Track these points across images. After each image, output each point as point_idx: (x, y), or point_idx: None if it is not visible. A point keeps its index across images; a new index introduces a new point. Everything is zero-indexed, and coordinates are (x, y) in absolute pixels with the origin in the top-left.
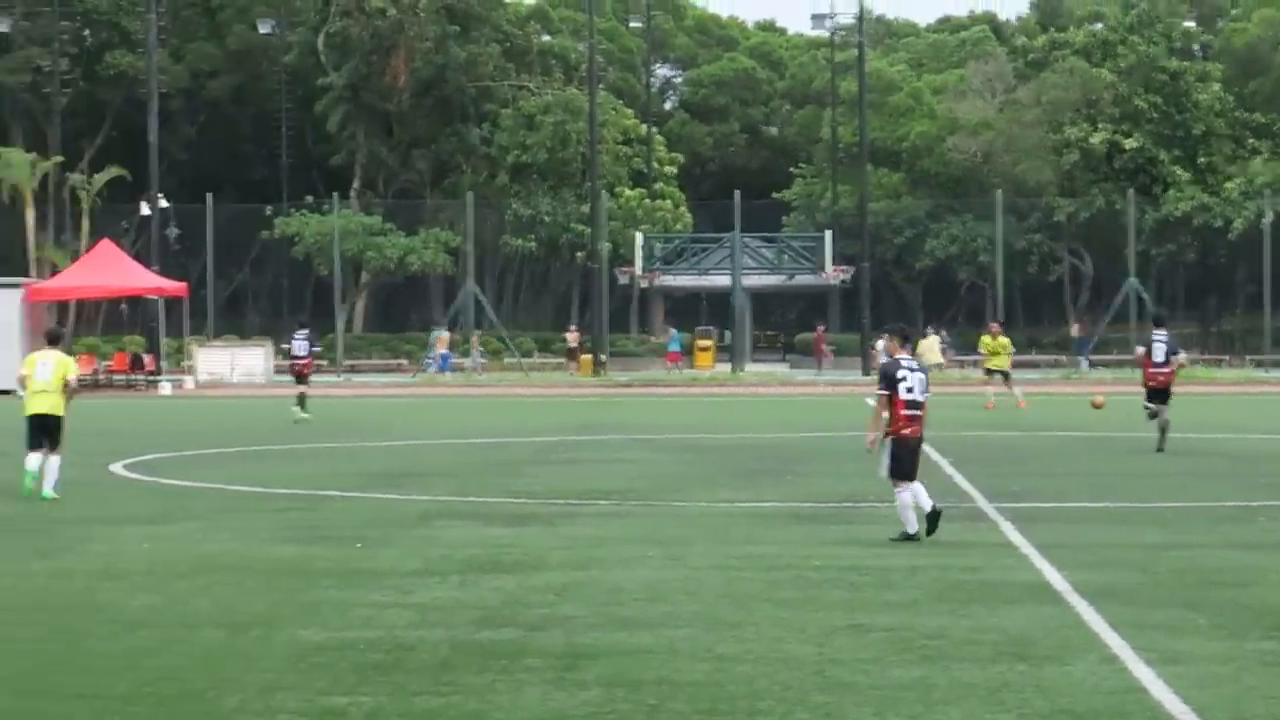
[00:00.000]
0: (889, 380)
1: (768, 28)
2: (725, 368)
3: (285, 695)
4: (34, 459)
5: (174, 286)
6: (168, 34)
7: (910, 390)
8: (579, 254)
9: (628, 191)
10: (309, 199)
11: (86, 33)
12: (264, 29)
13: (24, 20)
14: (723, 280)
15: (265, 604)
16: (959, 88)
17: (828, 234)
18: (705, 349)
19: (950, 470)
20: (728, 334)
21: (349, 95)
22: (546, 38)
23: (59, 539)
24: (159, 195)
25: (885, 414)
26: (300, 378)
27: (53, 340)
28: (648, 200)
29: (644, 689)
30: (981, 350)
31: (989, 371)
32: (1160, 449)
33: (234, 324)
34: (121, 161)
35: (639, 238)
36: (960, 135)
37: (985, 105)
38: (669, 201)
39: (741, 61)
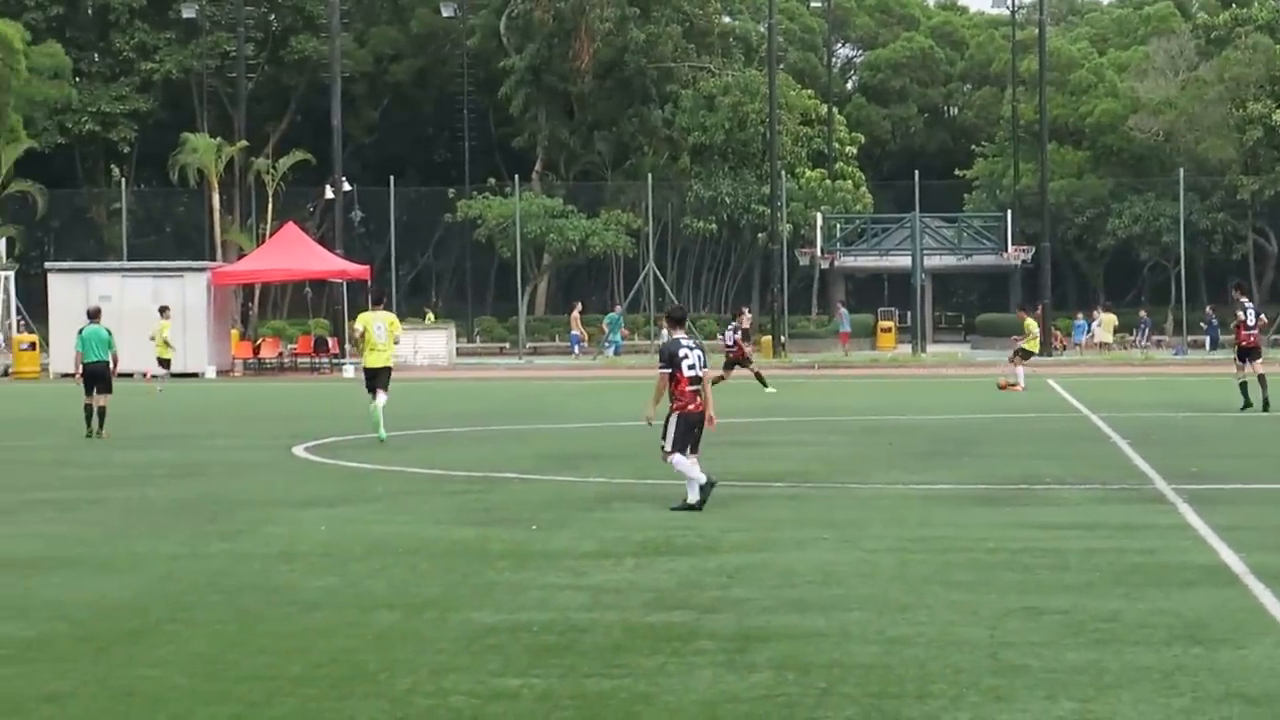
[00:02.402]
0: (670, 359)
1: (949, 6)
2: (906, 349)
3: (458, 677)
4: (381, 399)
5: (357, 269)
6: (351, 18)
7: (691, 367)
8: (759, 235)
9: (808, 172)
10: (491, 182)
11: (272, 18)
12: (446, 12)
13: (210, 6)
14: (903, 261)
15: (440, 586)
16: (1141, 65)
17: (1008, 213)
18: (886, 330)
19: (1129, 451)
20: (908, 315)
21: (531, 78)
22: (727, 19)
23: (239, 521)
24: (343, 179)
25: (666, 391)
26: None
27: (378, 300)
28: (828, 181)
29: (814, 672)
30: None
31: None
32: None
33: (417, 307)
34: (305, 145)
35: (819, 219)
36: (1142, 113)
37: (1168, 83)
38: (849, 182)
39: (920, 42)
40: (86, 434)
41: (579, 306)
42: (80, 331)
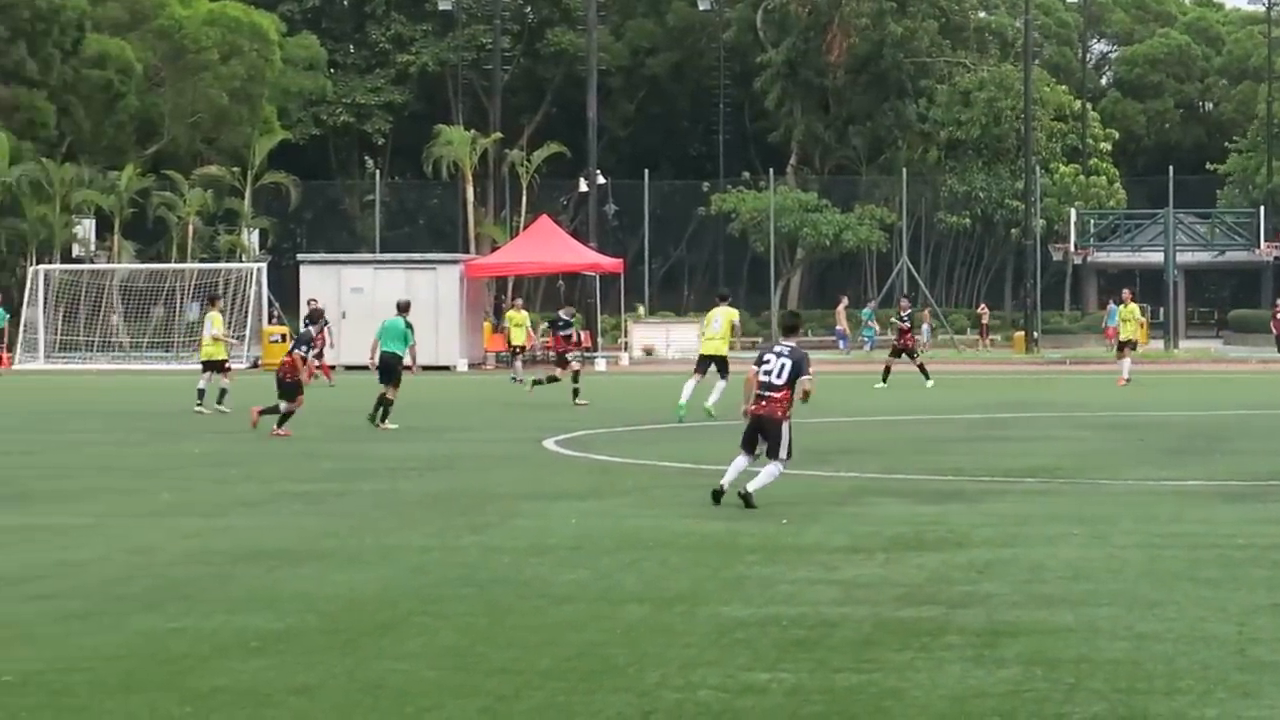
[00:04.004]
0: (758, 359)
1: (1204, 3)
2: (1158, 345)
3: (706, 671)
4: (689, 385)
5: (611, 263)
6: (608, 11)
7: (768, 373)
8: (1012, 231)
9: (1062, 168)
10: (745, 175)
11: (528, 10)
12: (703, 6)
13: None
14: (1156, 257)
15: (689, 580)
16: None
17: (1261, 210)
18: (1141, 324)
19: None
20: (1160, 310)
21: (786, 71)
22: (983, 14)
23: (490, 514)
24: (597, 172)
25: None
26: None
27: (722, 298)
28: (1082, 176)
29: (1062, 667)
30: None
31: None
32: None
33: (670, 300)
34: (560, 138)
35: (1073, 214)
36: None
37: None
38: (1103, 178)
39: (1176, 38)
40: (369, 418)
41: (845, 300)
42: (384, 322)
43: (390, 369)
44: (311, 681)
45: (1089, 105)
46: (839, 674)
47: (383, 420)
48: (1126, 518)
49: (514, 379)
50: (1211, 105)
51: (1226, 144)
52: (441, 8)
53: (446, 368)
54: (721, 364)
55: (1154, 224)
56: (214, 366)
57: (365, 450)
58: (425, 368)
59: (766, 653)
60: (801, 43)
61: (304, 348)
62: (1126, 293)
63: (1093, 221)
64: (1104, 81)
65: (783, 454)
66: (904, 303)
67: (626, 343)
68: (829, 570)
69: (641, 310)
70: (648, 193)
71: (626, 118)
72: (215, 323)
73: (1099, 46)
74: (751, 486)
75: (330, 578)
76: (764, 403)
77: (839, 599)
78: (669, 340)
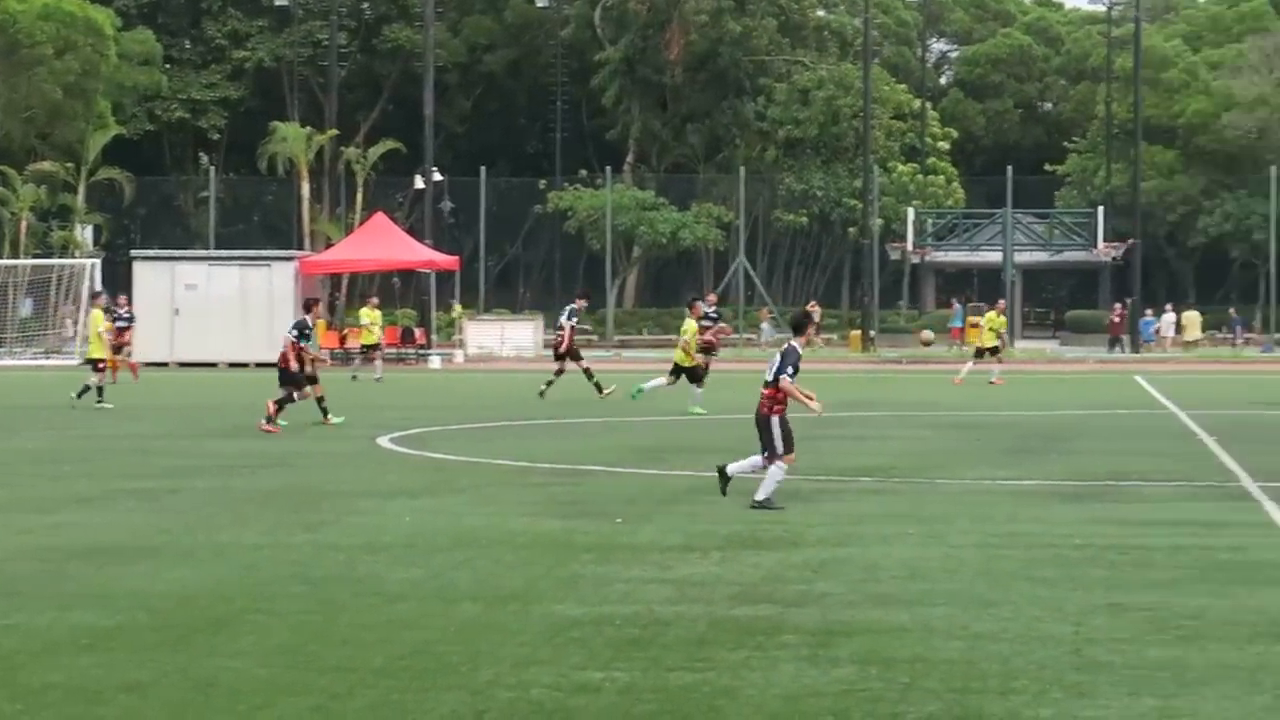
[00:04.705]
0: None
1: (1044, 3)
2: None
3: (540, 669)
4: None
5: (446, 260)
6: (445, 7)
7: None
8: (850, 230)
9: (900, 167)
10: (582, 173)
11: (365, 6)
12: (541, 2)
13: None
14: (994, 256)
15: (523, 578)
16: (1235, 63)
17: (1099, 210)
18: (975, 326)
19: (1216, 448)
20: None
21: (624, 69)
22: (822, 12)
23: (324, 511)
24: (433, 169)
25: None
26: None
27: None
28: (920, 176)
29: (897, 667)
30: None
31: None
32: None
33: (505, 298)
34: (396, 135)
35: (911, 213)
36: (1236, 112)
37: (1262, 80)
38: (941, 177)
39: (1016, 38)
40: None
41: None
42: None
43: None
44: (143, 679)
45: (928, 104)
46: (673, 673)
47: (326, 416)
48: (963, 517)
49: (354, 377)
50: (1051, 105)
51: (1065, 144)
52: (278, 3)
53: (271, 365)
54: (685, 373)
55: (992, 224)
56: (93, 363)
57: (200, 447)
58: (260, 365)
59: (600, 651)
60: (640, 40)
61: (295, 333)
62: (1001, 303)
63: (930, 221)
64: (943, 81)
65: (779, 449)
66: (711, 298)
67: (461, 340)
68: (663, 569)
69: (458, 308)
70: (484, 190)
71: (463, 115)
72: (96, 320)
73: (938, 46)
74: (732, 468)
75: (163, 575)
76: (760, 399)
77: (673, 598)
78: (504, 338)
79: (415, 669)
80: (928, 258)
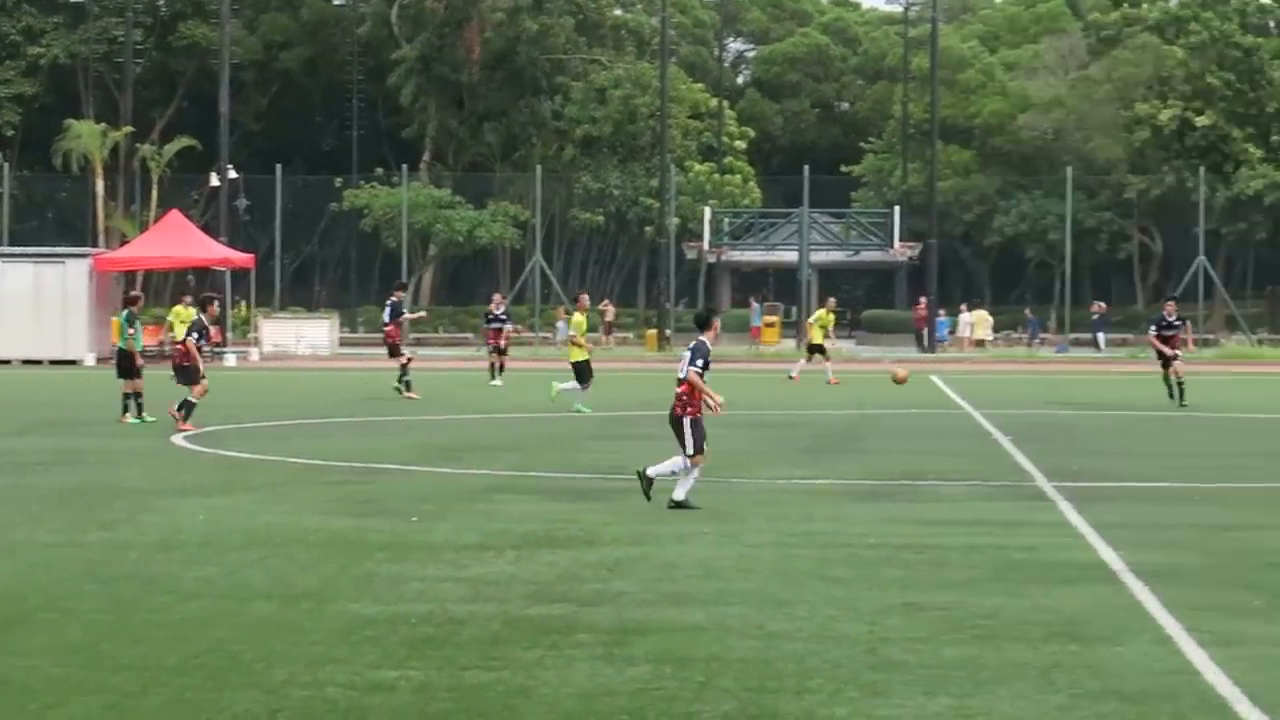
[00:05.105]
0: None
1: (841, 3)
2: (790, 344)
3: (334, 668)
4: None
5: (241, 258)
6: (241, 4)
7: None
8: (647, 228)
9: (697, 166)
10: (379, 171)
11: (160, 3)
12: (338, 0)
13: None
14: (790, 256)
15: (318, 577)
16: (1031, 64)
17: (896, 210)
18: (770, 325)
19: (1010, 448)
20: (794, 310)
21: (421, 67)
22: (619, 11)
23: (118, 510)
24: (229, 166)
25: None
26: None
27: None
28: (717, 175)
29: (693, 666)
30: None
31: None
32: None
33: (301, 296)
34: (192, 132)
35: (707, 213)
36: (1032, 112)
37: (1057, 82)
38: (738, 176)
39: (814, 37)
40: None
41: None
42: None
43: (121, 365)
44: None
45: (725, 104)
46: (467, 671)
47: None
48: (758, 517)
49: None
50: (848, 105)
51: (862, 144)
52: (73, 0)
53: (74, 362)
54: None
55: (788, 223)
56: None
57: None
58: (54, 362)
59: (395, 650)
60: (436, 39)
61: (196, 335)
62: (831, 300)
63: (727, 220)
64: (740, 80)
65: (689, 449)
66: (497, 298)
67: (256, 338)
68: (458, 568)
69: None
70: (280, 188)
71: (259, 112)
72: None
73: (735, 45)
74: (651, 470)
75: None
76: (674, 399)
77: (468, 596)
78: (299, 336)
79: (209, 667)
80: (724, 257)
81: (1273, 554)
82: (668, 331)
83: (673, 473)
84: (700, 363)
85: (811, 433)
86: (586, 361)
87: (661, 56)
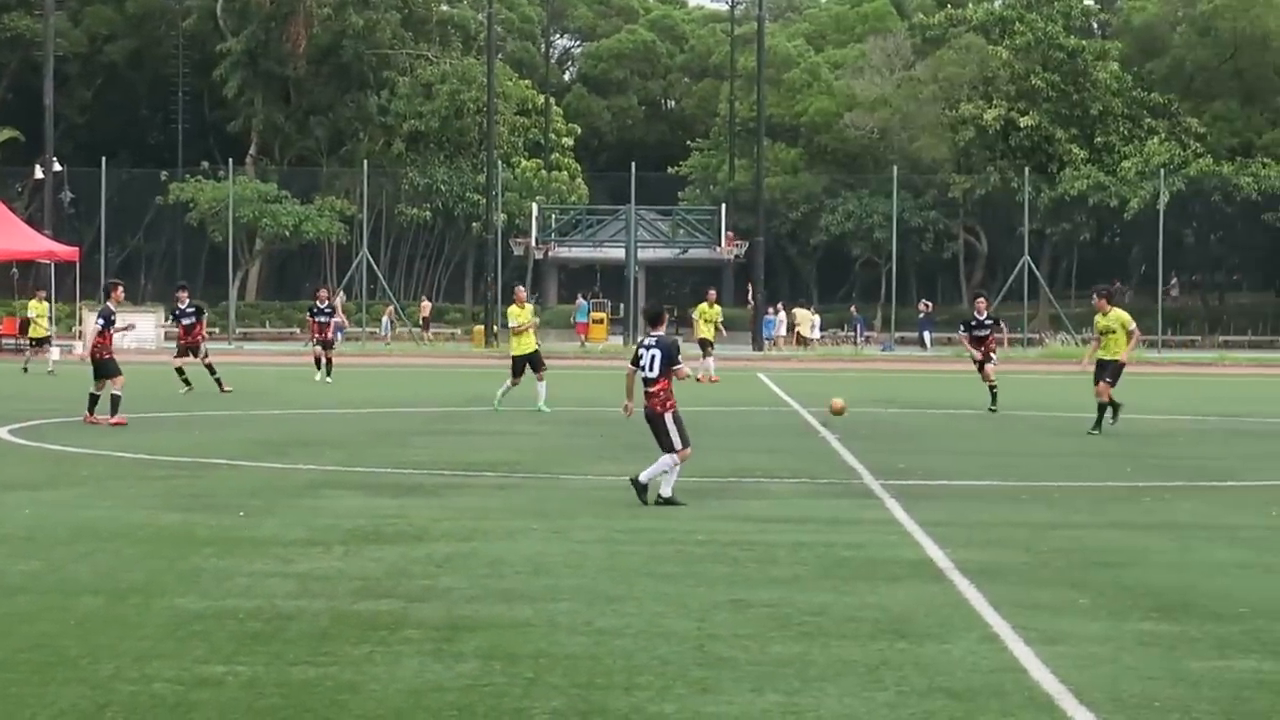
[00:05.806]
0: (634, 359)
1: (668, 0)
2: (618, 340)
3: (161, 664)
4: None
5: (66, 251)
6: None
7: (644, 369)
8: (474, 224)
9: (524, 162)
10: (205, 165)
11: None
12: None
13: None
14: (617, 253)
15: (144, 572)
16: (857, 64)
17: (722, 208)
18: (598, 322)
19: (838, 446)
20: (621, 306)
21: (247, 61)
22: (445, 7)
23: None
24: (53, 159)
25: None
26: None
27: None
28: (544, 171)
29: (522, 662)
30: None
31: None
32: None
33: (126, 290)
34: (16, 124)
35: (534, 209)
36: (858, 112)
37: (883, 82)
38: (565, 173)
39: (641, 35)
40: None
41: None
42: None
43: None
44: None
45: (552, 100)
46: (295, 667)
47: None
48: (586, 513)
49: (24, 369)
50: (675, 103)
51: (689, 142)
52: None
53: None
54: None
55: (615, 220)
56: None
57: None
58: None
59: (222, 645)
60: (262, 32)
61: (103, 322)
62: (712, 293)
63: (554, 217)
64: (567, 77)
65: (677, 445)
66: (322, 293)
67: (81, 331)
68: (286, 563)
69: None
70: (105, 181)
71: (84, 105)
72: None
73: (562, 41)
74: (644, 476)
75: None
76: (646, 399)
77: (295, 592)
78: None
79: (34, 662)
80: (551, 253)
81: (1097, 553)
82: (495, 328)
83: (664, 472)
84: (678, 356)
85: (638, 430)
86: (536, 352)
87: (488, 52)
